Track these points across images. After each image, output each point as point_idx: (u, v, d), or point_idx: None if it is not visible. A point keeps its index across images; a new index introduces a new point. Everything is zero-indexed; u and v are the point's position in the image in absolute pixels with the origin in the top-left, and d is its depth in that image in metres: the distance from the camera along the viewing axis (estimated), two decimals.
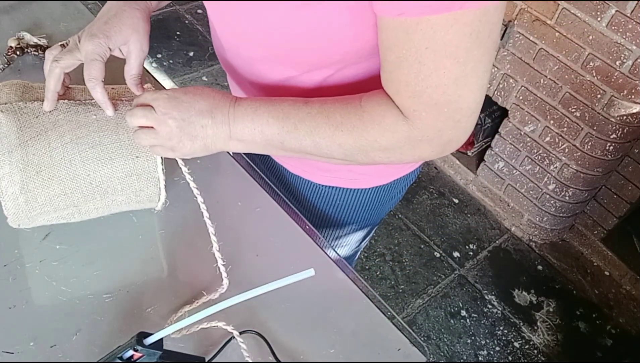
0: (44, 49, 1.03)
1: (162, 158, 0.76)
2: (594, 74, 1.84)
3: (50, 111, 0.74)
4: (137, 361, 0.64)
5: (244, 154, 1.05)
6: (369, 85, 0.75)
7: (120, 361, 0.64)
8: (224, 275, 0.77)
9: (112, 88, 0.79)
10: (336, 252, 0.88)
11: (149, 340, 0.64)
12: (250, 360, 0.72)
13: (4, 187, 0.70)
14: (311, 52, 0.71)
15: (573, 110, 1.95)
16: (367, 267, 2.07)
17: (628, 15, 1.69)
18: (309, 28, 0.67)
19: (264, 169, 1.01)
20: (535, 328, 2.01)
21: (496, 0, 0.57)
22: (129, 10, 0.78)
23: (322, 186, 0.95)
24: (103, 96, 0.74)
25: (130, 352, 0.63)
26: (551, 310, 2.08)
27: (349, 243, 1.10)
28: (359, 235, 1.09)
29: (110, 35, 0.74)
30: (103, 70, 0.74)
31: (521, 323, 2.02)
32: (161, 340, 0.65)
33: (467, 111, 0.64)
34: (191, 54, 2.68)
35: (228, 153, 0.97)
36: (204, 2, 0.81)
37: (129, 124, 0.73)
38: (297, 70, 0.76)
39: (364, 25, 0.65)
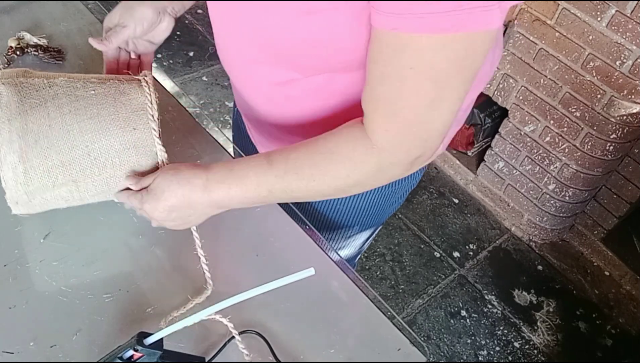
0: (44, 49, 1.03)
1: (159, 132, 0.77)
2: (594, 74, 1.84)
3: (50, 86, 0.74)
4: (137, 361, 0.64)
5: (240, 150, 1.05)
6: None
7: (120, 361, 0.64)
8: (209, 280, 0.78)
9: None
10: (337, 253, 0.88)
11: (149, 340, 0.64)
12: (249, 360, 0.72)
13: (3, 155, 0.70)
14: (315, 57, 0.71)
15: (573, 110, 1.95)
16: (367, 267, 2.07)
17: (628, 15, 1.69)
18: (313, 34, 0.66)
19: None
20: (535, 328, 2.01)
21: (487, 29, 0.57)
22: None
23: None
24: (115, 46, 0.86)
25: (130, 352, 0.63)
26: (551, 310, 2.08)
27: (351, 245, 1.10)
28: (362, 237, 1.09)
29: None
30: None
31: (521, 323, 2.02)
32: (161, 340, 0.65)
33: (435, 132, 0.65)
34: (191, 54, 2.68)
35: (228, 152, 0.97)
36: (207, 2, 0.81)
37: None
38: (300, 73, 0.76)
39: (366, 34, 0.65)
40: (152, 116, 0.76)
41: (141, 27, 0.86)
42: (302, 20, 0.65)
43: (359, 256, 1.21)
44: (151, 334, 0.64)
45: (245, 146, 1.07)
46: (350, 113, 0.80)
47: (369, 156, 0.67)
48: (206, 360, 0.70)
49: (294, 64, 0.74)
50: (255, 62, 0.78)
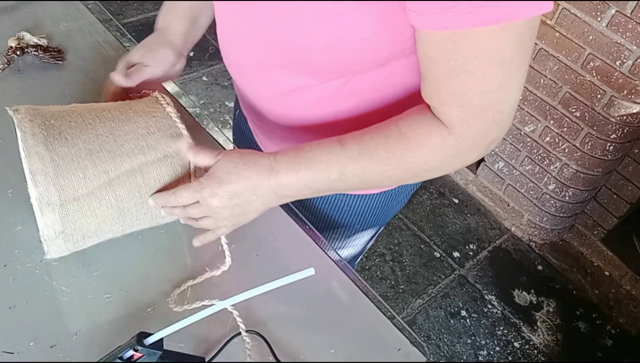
0: (44, 49, 1.03)
1: (178, 114, 0.78)
2: (594, 74, 1.84)
3: (65, 111, 0.76)
4: (137, 361, 0.64)
5: None
6: (384, 90, 0.75)
7: (120, 361, 0.64)
8: (227, 253, 0.79)
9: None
10: (336, 252, 0.88)
11: (149, 340, 0.64)
12: (251, 361, 0.72)
13: (30, 146, 0.69)
14: (334, 61, 0.70)
15: (573, 110, 1.95)
16: (367, 267, 2.07)
17: (628, 15, 1.69)
18: (335, 37, 0.66)
19: None
20: (535, 328, 2.01)
21: (539, 13, 0.57)
22: (163, 40, 0.91)
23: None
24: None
25: (130, 352, 0.63)
26: (551, 310, 2.08)
27: (354, 245, 1.10)
28: (365, 237, 1.09)
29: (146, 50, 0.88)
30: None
31: (521, 323, 2.02)
32: (161, 340, 0.65)
33: (509, 111, 0.65)
34: (191, 54, 2.67)
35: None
36: (215, 5, 0.80)
37: (184, 216, 0.76)
38: (314, 79, 0.75)
39: (389, 34, 0.65)
40: (166, 102, 0.79)
41: (162, 68, 0.88)
42: (325, 22, 0.64)
43: (360, 257, 1.21)
44: (151, 334, 0.64)
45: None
46: (363, 115, 0.79)
47: (448, 142, 0.66)
48: (206, 360, 0.70)
49: (310, 69, 0.73)
50: (267, 67, 0.77)
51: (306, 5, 0.64)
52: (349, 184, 0.71)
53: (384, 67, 0.72)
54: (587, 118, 1.92)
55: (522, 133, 2.12)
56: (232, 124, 1.24)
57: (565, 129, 1.99)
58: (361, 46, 0.67)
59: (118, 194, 0.72)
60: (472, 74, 0.60)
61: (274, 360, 0.72)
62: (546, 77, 1.96)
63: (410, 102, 0.77)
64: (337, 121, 0.80)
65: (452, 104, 0.64)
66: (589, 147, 1.96)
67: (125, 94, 0.87)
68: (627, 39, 1.72)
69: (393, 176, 0.70)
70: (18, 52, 1.01)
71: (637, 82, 1.76)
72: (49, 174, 0.68)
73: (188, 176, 0.77)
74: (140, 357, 0.64)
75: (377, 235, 1.14)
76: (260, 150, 1.01)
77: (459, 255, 2.18)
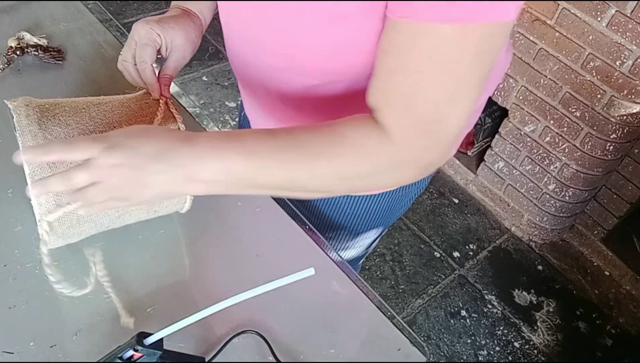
0: (44, 49, 1.03)
1: (171, 99, 0.79)
2: (594, 74, 1.84)
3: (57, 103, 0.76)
4: (137, 361, 0.64)
5: None
6: None
7: (120, 361, 0.64)
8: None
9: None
10: (337, 253, 0.88)
11: (149, 340, 0.64)
12: (251, 361, 0.72)
13: (24, 126, 0.70)
14: (338, 64, 0.69)
15: (573, 110, 1.95)
16: (367, 267, 2.07)
17: (628, 15, 1.69)
18: (339, 41, 0.65)
19: None
20: (535, 328, 2.01)
21: (503, 21, 0.56)
22: (187, 18, 0.83)
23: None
24: (152, 77, 0.78)
25: (130, 352, 0.63)
26: (551, 310, 2.08)
27: (356, 247, 1.09)
28: (367, 240, 1.08)
29: (163, 26, 0.78)
30: (154, 55, 0.78)
31: (521, 323, 2.02)
32: (161, 340, 0.65)
33: (451, 134, 0.62)
34: None
35: None
36: (219, 8, 0.80)
37: (70, 187, 0.62)
38: (319, 80, 0.74)
39: None
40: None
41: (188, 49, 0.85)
42: (331, 26, 0.63)
43: (363, 258, 1.21)
44: (151, 334, 0.64)
45: None
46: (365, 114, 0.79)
47: (383, 147, 0.62)
48: (206, 360, 0.70)
49: (314, 71, 0.73)
50: (274, 70, 0.77)
51: (312, 8, 0.63)
52: (271, 177, 0.63)
53: None
54: (587, 118, 1.92)
55: (522, 133, 2.12)
56: (232, 123, 1.23)
57: (565, 129, 1.99)
58: (364, 49, 0.66)
59: None
60: (424, 76, 0.58)
61: (274, 360, 0.72)
62: (546, 77, 1.96)
63: None
64: None
65: (397, 106, 0.61)
66: (589, 147, 1.96)
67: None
68: (627, 39, 1.72)
69: (323, 174, 0.63)
70: (18, 52, 1.01)
71: (637, 82, 1.76)
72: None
73: None
74: (140, 357, 0.64)
75: (379, 238, 1.14)
76: None
77: (459, 255, 2.18)
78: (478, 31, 0.55)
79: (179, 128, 0.77)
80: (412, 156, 0.63)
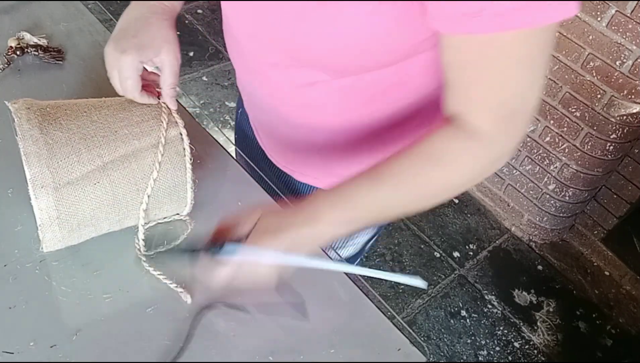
0: (44, 49, 1.03)
1: (177, 102, 0.78)
2: (594, 74, 1.84)
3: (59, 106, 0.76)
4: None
5: (245, 155, 1.04)
6: (398, 84, 0.75)
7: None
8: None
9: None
10: (336, 252, 0.88)
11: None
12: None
13: (25, 130, 0.69)
14: (349, 59, 0.69)
15: (573, 110, 1.95)
16: (367, 267, 2.07)
17: (628, 15, 1.69)
18: (352, 37, 0.65)
19: (271, 176, 1.00)
20: (535, 328, 2.01)
21: (567, 17, 0.58)
22: (157, 20, 0.76)
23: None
24: (149, 100, 0.77)
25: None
26: (551, 310, 2.08)
27: (354, 244, 1.09)
28: (364, 238, 1.08)
29: (142, 50, 0.73)
30: (139, 84, 0.75)
31: (521, 323, 2.02)
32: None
33: (532, 112, 0.66)
34: (191, 54, 2.68)
35: (228, 152, 0.97)
36: (222, 6, 0.80)
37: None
38: (328, 75, 0.74)
39: (407, 31, 0.65)
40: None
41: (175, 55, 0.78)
42: (342, 22, 0.64)
43: (361, 257, 1.21)
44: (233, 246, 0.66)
45: (250, 151, 1.06)
46: (369, 111, 0.79)
47: (479, 152, 0.66)
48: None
49: (324, 67, 0.73)
50: (279, 66, 0.76)
51: (321, 5, 0.63)
52: (388, 219, 0.72)
53: (398, 65, 0.72)
54: (587, 118, 1.92)
55: None
56: (232, 123, 1.23)
57: (565, 129, 1.99)
58: (376, 46, 0.66)
59: (112, 179, 0.72)
60: (507, 76, 0.61)
61: (274, 361, 0.72)
62: (546, 77, 1.96)
63: (423, 98, 0.77)
64: (345, 119, 0.80)
65: (484, 109, 0.64)
66: (589, 147, 1.96)
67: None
68: (627, 39, 1.72)
69: (432, 199, 0.69)
70: (18, 52, 1.01)
71: (637, 82, 1.76)
72: (43, 156, 0.69)
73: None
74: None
75: (376, 237, 1.14)
76: (261, 150, 1.01)
77: (459, 255, 2.18)
78: (544, 29, 0.58)
79: (180, 133, 0.77)
80: (505, 146, 0.67)
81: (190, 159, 0.77)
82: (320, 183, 0.94)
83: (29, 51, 1.02)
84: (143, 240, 0.77)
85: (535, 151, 2.11)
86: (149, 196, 0.75)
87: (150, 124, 0.76)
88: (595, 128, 1.91)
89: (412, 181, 0.67)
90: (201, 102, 2.48)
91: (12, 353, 0.67)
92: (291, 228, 0.66)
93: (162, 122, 0.76)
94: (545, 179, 2.12)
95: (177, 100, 0.79)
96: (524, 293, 2.11)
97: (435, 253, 2.17)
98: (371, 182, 0.67)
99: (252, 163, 0.99)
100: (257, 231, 0.67)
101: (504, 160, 0.69)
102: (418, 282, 0.66)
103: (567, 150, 2.01)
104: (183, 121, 0.78)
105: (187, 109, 1.01)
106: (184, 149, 0.77)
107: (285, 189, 0.99)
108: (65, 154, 0.70)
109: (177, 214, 0.82)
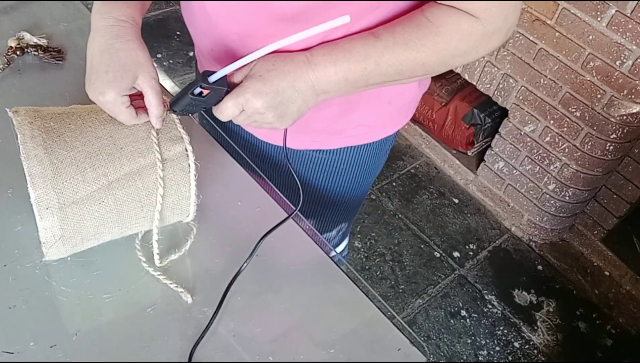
0: (44, 49, 1.03)
1: (179, 117, 0.78)
2: (594, 74, 1.84)
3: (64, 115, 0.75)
4: (205, 96, 0.72)
5: (240, 149, 1.04)
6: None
7: (192, 96, 0.72)
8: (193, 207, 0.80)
9: None
10: (335, 251, 0.88)
11: (213, 78, 0.71)
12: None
13: (29, 149, 0.68)
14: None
15: (573, 110, 1.95)
16: (367, 267, 2.07)
17: (628, 15, 1.69)
18: None
19: (235, 137, 1.02)
20: (535, 328, 2.01)
21: None
22: (122, 44, 0.72)
23: (305, 151, 0.96)
24: (142, 119, 0.75)
25: (199, 89, 0.71)
26: (551, 310, 2.08)
27: (340, 220, 1.10)
28: (347, 206, 1.09)
29: (118, 84, 0.70)
30: (131, 114, 0.73)
31: (521, 323, 2.02)
32: (224, 77, 0.71)
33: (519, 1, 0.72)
34: (191, 54, 2.68)
35: (228, 152, 0.97)
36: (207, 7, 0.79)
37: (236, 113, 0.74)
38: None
39: None
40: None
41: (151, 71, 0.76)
42: None
43: (346, 240, 1.21)
44: (214, 72, 0.70)
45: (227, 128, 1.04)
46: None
47: (475, 27, 0.71)
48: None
49: (327, 11, 0.72)
50: (276, 19, 0.75)
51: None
52: (383, 75, 0.74)
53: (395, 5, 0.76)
54: (587, 118, 1.92)
55: (522, 133, 2.12)
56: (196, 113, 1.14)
57: (565, 129, 1.99)
58: None
59: (117, 197, 0.72)
60: None
61: (274, 361, 0.72)
62: (546, 77, 1.96)
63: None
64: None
65: None
66: (589, 147, 1.96)
67: None
68: (627, 39, 1.72)
69: (426, 62, 0.74)
70: (18, 52, 1.01)
71: (637, 82, 1.76)
72: (48, 177, 0.68)
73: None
74: (208, 93, 0.71)
75: (358, 211, 1.16)
76: (245, 136, 1.01)
77: (459, 255, 2.18)
78: None
79: (185, 149, 0.76)
80: (498, 26, 0.73)
81: (195, 176, 0.76)
82: (292, 142, 0.94)
83: (29, 51, 1.02)
84: (157, 253, 0.78)
85: (535, 151, 2.11)
86: (159, 212, 0.75)
87: (156, 141, 0.75)
88: (595, 128, 1.91)
89: (408, 40, 0.72)
90: None
91: (12, 353, 0.67)
92: (291, 70, 0.72)
93: (152, 141, 0.75)
94: (545, 179, 2.12)
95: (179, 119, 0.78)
96: (524, 293, 2.11)
97: (435, 253, 2.17)
98: (366, 38, 0.73)
99: (252, 164, 0.99)
100: (254, 73, 0.72)
101: (497, 39, 0.74)
102: (343, 19, 0.66)
103: (567, 150, 2.01)
104: (189, 136, 0.77)
105: None
106: (189, 165, 0.76)
107: (252, 155, 1.01)
108: (70, 174, 0.69)
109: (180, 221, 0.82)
